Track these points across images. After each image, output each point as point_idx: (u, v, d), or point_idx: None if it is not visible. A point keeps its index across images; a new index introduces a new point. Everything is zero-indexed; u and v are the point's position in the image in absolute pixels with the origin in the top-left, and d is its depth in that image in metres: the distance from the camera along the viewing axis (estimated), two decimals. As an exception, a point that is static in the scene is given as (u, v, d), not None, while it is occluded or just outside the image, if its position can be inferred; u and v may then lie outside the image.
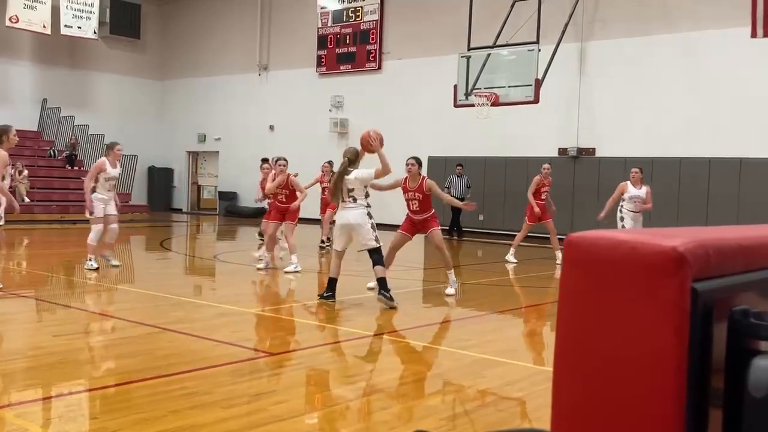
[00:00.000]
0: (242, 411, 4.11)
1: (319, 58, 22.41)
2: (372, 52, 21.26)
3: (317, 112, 21.99)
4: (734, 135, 15.20)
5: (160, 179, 26.25)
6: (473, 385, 4.93)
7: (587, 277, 1.09)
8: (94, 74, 24.85)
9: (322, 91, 22.08)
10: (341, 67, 21.93)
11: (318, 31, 22.34)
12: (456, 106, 15.68)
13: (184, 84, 26.15)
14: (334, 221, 8.71)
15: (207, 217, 24.86)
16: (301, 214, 10.98)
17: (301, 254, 10.86)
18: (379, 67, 21.18)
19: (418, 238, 9.52)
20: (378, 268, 7.69)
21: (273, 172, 10.64)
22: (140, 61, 26.18)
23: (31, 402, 4.31)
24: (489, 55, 15.35)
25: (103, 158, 10.17)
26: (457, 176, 17.22)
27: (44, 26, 20.41)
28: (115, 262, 10.38)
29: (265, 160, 12.80)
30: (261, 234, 11.89)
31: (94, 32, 21.69)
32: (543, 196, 12.59)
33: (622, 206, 11.80)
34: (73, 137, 22.88)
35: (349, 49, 21.76)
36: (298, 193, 10.44)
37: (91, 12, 21.34)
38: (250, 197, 21.42)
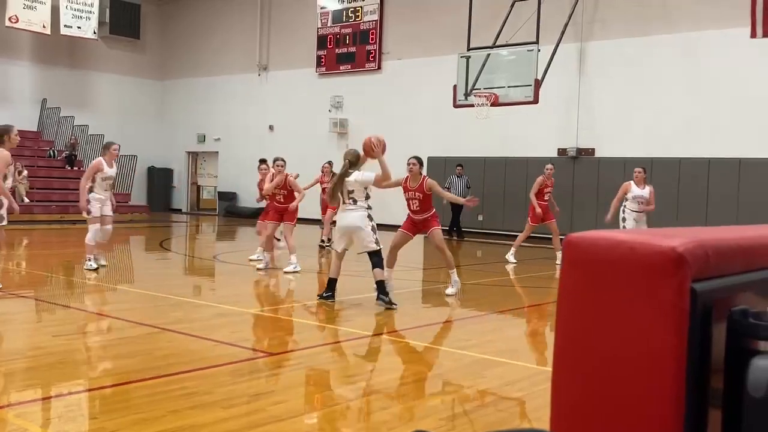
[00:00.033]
0: (242, 411, 4.11)
1: (319, 58, 22.40)
2: (372, 53, 21.25)
3: (317, 113, 21.98)
4: (734, 135, 15.20)
5: (159, 179, 26.23)
6: (473, 385, 4.93)
7: (586, 277, 1.09)
8: (94, 74, 24.84)
9: (322, 92, 22.08)
10: (341, 67, 21.92)
11: (318, 31, 22.33)
12: (456, 106, 15.67)
13: (184, 84, 26.14)
14: (335, 221, 8.70)
15: (206, 218, 24.85)
16: (301, 215, 10.98)
17: (301, 254, 10.85)
18: (379, 68, 21.18)
19: (418, 239, 9.51)
20: (377, 270, 7.68)
21: (271, 172, 10.63)
22: (140, 61, 26.17)
23: (30, 402, 4.31)
24: (489, 55, 15.35)
25: (100, 158, 10.17)
26: (457, 176, 17.21)
27: (44, 26, 20.39)
28: (102, 262, 10.39)
29: (262, 161, 12.79)
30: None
31: (94, 32, 21.66)
32: (546, 197, 12.53)
33: (624, 206, 11.70)
34: (72, 137, 22.86)
35: (349, 49, 21.75)
36: (296, 194, 10.44)
37: (90, 12, 21.33)
38: (249, 197, 21.43)
